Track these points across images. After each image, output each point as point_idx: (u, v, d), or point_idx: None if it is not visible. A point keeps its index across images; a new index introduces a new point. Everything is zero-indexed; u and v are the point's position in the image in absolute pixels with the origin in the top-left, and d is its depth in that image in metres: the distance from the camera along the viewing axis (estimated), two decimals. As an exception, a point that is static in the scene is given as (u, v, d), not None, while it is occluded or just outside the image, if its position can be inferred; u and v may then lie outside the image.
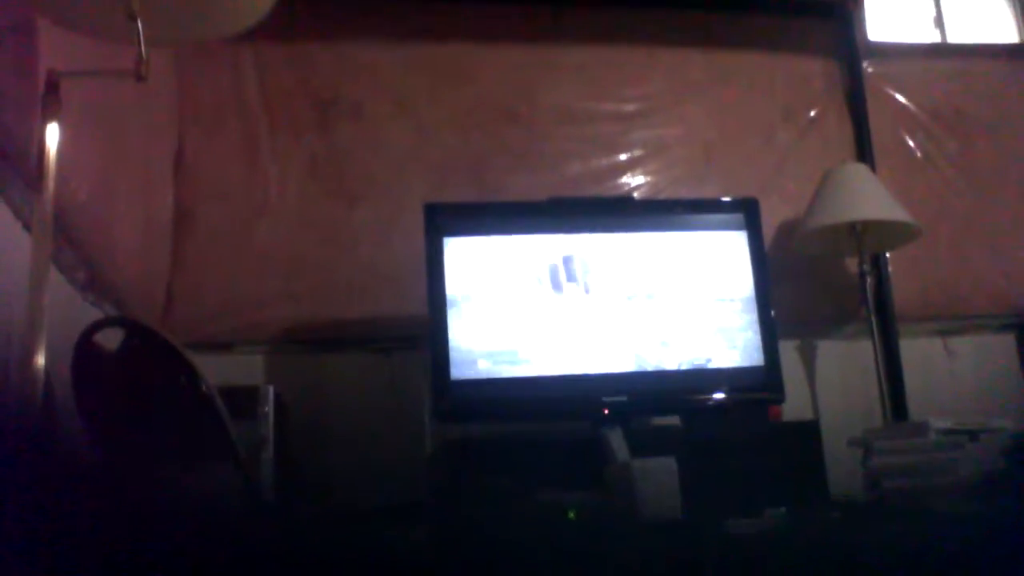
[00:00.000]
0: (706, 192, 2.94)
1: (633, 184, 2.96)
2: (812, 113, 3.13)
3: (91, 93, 1.81)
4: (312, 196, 2.76)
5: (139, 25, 1.38)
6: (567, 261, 2.36)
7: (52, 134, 1.47)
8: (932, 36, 3.42)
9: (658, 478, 1.83)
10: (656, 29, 3.11)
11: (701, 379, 2.33)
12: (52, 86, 1.49)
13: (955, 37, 3.42)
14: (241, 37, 1.64)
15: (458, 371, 2.22)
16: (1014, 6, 3.53)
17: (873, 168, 2.94)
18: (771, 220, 2.81)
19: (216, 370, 1.64)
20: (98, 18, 1.47)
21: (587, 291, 2.35)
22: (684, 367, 2.33)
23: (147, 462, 1.43)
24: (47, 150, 1.47)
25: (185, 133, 2.72)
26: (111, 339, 1.55)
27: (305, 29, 2.86)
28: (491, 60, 2.99)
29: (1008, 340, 3.06)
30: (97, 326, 1.53)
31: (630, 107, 3.04)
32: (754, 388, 2.34)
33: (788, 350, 2.78)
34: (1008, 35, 3.49)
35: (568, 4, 3.08)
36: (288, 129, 2.80)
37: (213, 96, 2.78)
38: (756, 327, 2.38)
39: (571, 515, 1.81)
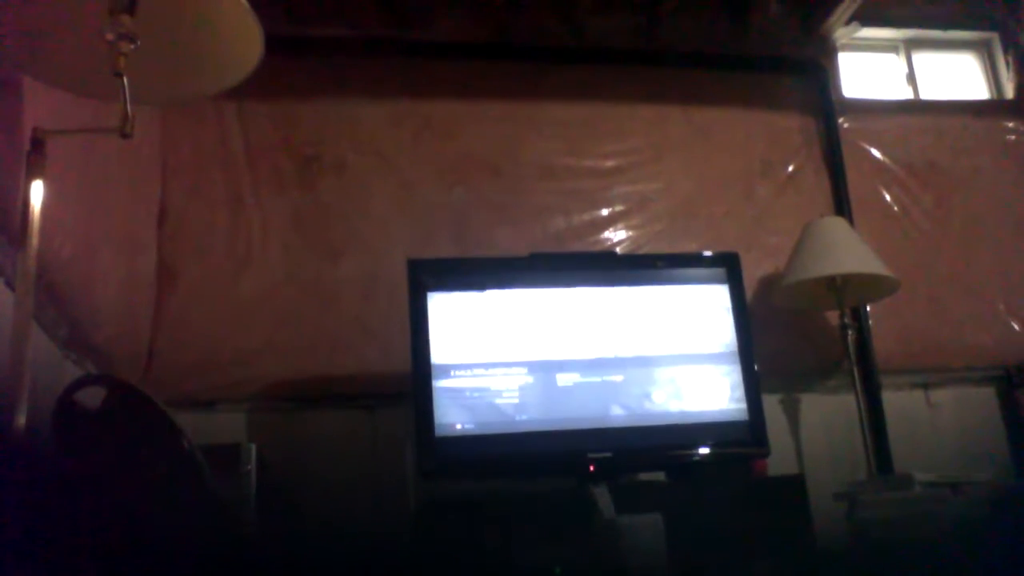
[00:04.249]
0: (687, 246, 2.96)
1: (615, 239, 2.98)
2: (790, 168, 3.18)
3: (75, 149, 1.81)
4: (295, 251, 2.76)
5: (125, 83, 1.38)
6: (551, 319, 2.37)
7: (36, 192, 1.47)
8: (905, 93, 3.50)
9: (644, 535, 1.82)
10: (635, 87, 3.16)
11: (686, 434, 2.33)
12: (37, 144, 1.49)
13: (927, 94, 3.50)
14: (225, 94, 1.65)
15: (442, 428, 2.21)
16: (983, 64, 3.62)
17: (851, 221, 2.98)
18: (752, 274, 2.84)
19: (198, 427, 1.63)
20: (83, 76, 1.48)
21: (571, 347, 2.35)
22: (668, 422, 2.33)
23: (128, 520, 1.40)
24: (31, 207, 1.46)
25: (169, 189, 2.72)
26: (92, 396, 1.53)
27: (288, 85, 2.88)
28: (474, 116, 3.02)
29: (989, 392, 3.08)
30: (78, 384, 1.51)
31: (611, 163, 3.07)
32: (739, 442, 2.34)
33: (772, 404, 2.79)
34: (978, 91, 3.57)
35: (549, 62, 3.14)
36: (272, 184, 2.81)
37: (197, 152, 2.78)
38: (739, 381, 2.39)
39: (557, 573, 1.79)
